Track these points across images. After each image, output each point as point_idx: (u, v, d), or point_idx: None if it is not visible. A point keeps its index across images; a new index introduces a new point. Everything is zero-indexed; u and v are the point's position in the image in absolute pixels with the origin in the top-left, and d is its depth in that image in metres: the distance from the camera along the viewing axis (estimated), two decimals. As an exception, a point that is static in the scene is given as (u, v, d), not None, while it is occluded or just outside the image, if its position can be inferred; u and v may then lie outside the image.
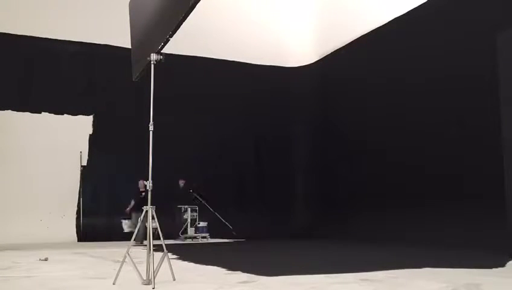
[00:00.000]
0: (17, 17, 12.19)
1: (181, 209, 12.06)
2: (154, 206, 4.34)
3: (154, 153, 4.47)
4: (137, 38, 5.54)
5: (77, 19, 12.57)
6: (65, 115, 12.59)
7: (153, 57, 4.58)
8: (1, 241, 10.35)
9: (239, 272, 5.57)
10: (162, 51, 4.44)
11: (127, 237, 10.13)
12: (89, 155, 12.61)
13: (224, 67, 14.20)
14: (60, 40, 12.52)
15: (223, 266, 6.30)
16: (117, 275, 4.35)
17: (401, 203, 10.46)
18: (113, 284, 4.29)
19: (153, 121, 4.54)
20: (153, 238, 4.33)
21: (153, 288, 3.97)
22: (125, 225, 11.48)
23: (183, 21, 3.88)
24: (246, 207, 13.76)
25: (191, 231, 11.85)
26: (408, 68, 10.92)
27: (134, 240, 6.90)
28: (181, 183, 12.42)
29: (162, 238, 4.41)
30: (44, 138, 12.09)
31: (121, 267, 4.38)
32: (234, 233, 11.85)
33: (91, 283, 4.72)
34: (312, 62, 14.89)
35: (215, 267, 6.17)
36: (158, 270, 4.31)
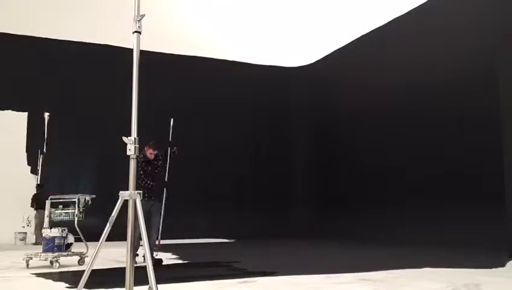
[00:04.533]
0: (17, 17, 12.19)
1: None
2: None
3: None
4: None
5: (77, 19, 12.56)
6: (64, 115, 12.56)
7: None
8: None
9: (239, 272, 5.57)
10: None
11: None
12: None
13: (223, 67, 14.20)
14: (59, 40, 12.50)
15: (223, 266, 6.31)
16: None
17: (401, 203, 10.47)
18: None
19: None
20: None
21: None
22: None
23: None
24: (246, 207, 13.77)
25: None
26: (408, 68, 10.91)
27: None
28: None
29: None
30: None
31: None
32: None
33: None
34: (312, 62, 14.90)
35: (215, 267, 6.17)
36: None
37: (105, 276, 5.08)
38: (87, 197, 6.59)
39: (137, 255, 5.80)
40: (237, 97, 14.17)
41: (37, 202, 10.99)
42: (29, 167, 12.00)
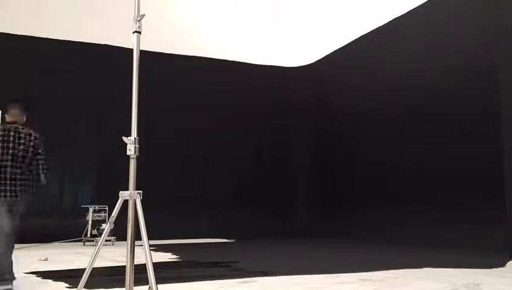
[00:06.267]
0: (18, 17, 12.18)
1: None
2: None
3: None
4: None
5: (77, 19, 12.56)
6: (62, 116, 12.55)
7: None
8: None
9: (239, 272, 5.58)
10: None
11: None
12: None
13: (223, 67, 14.19)
14: (59, 40, 12.48)
15: (223, 266, 6.31)
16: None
17: (401, 203, 10.46)
18: None
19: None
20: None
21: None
22: None
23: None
24: (246, 207, 13.75)
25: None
26: (408, 67, 10.91)
27: None
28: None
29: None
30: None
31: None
32: None
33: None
34: (311, 62, 14.90)
35: (215, 267, 6.17)
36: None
37: (105, 276, 5.08)
38: None
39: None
40: (237, 97, 14.16)
41: None
42: None
